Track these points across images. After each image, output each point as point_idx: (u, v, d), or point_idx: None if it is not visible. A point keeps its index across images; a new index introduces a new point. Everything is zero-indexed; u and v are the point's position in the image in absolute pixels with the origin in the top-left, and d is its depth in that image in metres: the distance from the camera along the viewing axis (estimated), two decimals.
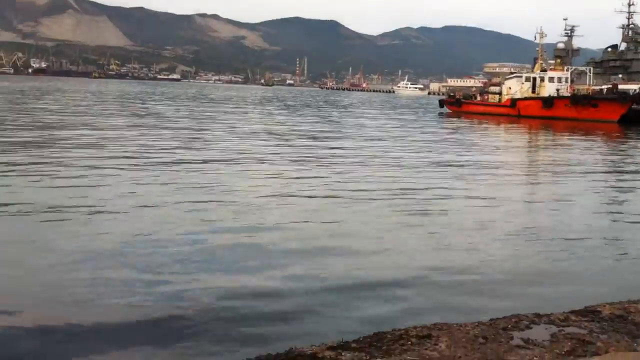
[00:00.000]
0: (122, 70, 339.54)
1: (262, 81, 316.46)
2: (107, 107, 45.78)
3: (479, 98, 62.38)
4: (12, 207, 10.01)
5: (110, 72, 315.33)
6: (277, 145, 22.24)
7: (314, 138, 26.55)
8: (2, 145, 17.84)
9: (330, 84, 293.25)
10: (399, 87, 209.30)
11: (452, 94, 69.78)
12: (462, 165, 18.87)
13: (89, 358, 5.01)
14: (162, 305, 6.08)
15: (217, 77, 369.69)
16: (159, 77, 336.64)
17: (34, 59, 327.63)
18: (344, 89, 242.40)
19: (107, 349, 5.15)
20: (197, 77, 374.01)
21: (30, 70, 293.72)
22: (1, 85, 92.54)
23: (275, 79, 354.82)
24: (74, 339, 5.35)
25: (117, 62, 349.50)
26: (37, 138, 21.03)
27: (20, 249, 7.83)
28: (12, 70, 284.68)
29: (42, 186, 12.03)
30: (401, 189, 13.58)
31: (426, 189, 13.78)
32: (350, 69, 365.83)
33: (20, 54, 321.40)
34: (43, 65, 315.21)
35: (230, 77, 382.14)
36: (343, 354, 4.59)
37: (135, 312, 5.91)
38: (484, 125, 44.04)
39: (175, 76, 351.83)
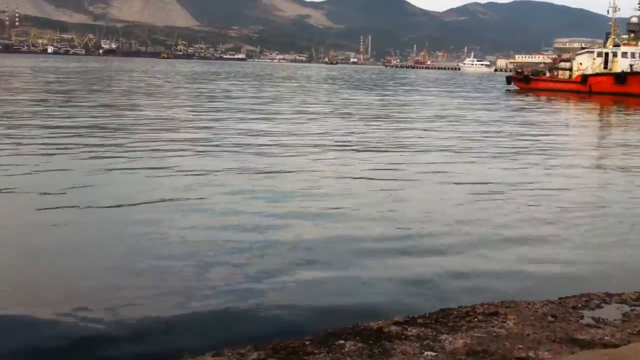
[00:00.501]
0: (189, 51, 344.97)
1: (326, 60, 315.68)
2: (178, 86, 46.60)
3: (548, 74, 60.80)
4: (89, 190, 10.30)
5: (177, 53, 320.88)
6: (351, 126, 22.14)
7: (378, 117, 26.39)
8: (79, 128, 18.36)
9: (394, 62, 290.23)
10: (465, 64, 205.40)
11: (519, 71, 68.15)
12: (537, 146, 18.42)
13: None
14: (238, 284, 6.18)
15: (281, 57, 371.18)
16: (224, 56, 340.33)
17: (105, 40, 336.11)
18: (408, 67, 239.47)
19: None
20: (261, 57, 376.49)
21: (101, 51, 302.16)
22: (73, 65, 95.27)
23: (339, 58, 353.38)
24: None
25: (184, 42, 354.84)
26: (109, 119, 21.60)
27: (111, 234, 7.97)
28: (83, 51, 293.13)
29: (120, 168, 12.29)
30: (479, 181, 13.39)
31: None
32: (415, 46, 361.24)
33: (91, 35, 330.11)
34: (113, 46, 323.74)
35: (294, 56, 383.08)
36: (409, 329, 4.61)
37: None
38: (553, 102, 42.87)
39: (240, 56, 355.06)
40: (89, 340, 4.91)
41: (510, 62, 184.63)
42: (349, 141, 17.29)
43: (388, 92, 48.86)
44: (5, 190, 9.75)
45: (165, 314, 5.37)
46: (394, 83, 70.96)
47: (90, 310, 5.44)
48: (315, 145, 16.17)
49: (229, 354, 4.19)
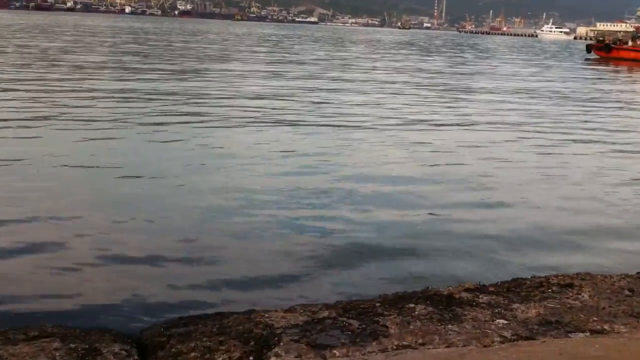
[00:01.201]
0: (262, 13, 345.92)
1: (399, 24, 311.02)
2: (255, 49, 46.91)
3: (630, 43, 58.27)
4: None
5: (251, 15, 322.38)
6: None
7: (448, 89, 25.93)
8: (156, 94, 18.70)
9: (469, 27, 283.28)
10: (543, 31, 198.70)
11: (600, 39, 65.52)
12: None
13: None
14: (313, 239, 6.29)
15: (353, 20, 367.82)
16: (297, 19, 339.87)
17: (180, 1, 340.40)
18: (483, 33, 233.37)
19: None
20: (333, 20, 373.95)
21: (176, 12, 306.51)
22: (149, 25, 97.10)
23: (412, 22, 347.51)
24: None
25: (257, 4, 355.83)
26: (185, 83, 21.94)
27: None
28: (159, 12, 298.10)
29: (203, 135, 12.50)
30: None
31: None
32: (491, 11, 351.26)
33: None
34: (188, 7, 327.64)
35: (366, 20, 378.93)
36: (480, 296, 4.57)
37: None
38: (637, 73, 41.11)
39: (312, 19, 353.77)
40: (167, 291, 5.08)
41: (591, 30, 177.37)
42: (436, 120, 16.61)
43: (464, 59, 47.83)
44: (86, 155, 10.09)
45: (240, 270, 5.51)
46: (469, 49, 69.34)
47: (172, 263, 5.63)
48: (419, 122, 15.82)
49: (301, 311, 4.26)
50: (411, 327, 4.03)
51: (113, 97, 16.25)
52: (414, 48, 67.02)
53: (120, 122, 12.72)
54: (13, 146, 10.00)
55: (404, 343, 3.82)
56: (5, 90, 16.17)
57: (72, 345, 3.63)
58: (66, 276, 5.17)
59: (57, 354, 3.50)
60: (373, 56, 45.41)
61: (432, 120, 15.44)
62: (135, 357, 3.65)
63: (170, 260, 5.66)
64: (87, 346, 3.64)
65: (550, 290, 4.74)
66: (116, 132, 11.63)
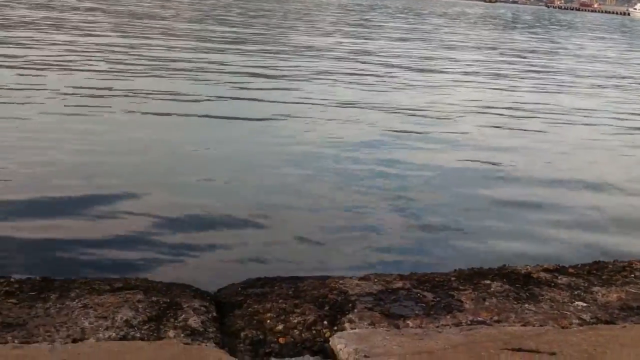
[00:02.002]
0: None
1: None
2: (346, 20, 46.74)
3: None
4: None
5: None
6: None
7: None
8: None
9: (558, 2, 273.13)
10: (636, 9, 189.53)
11: None
12: None
13: None
14: (389, 214, 6.31)
15: None
16: None
17: None
18: (572, 9, 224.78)
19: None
20: None
21: None
22: None
23: None
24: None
25: None
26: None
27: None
28: None
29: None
30: None
31: None
32: None
33: None
34: None
35: None
36: (559, 277, 4.47)
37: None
38: None
39: None
40: (244, 253, 5.20)
41: None
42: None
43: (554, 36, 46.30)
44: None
45: (315, 236, 5.58)
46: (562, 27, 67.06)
47: (249, 225, 5.76)
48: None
49: (375, 280, 4.28)
50: (486, 303, 3.99)
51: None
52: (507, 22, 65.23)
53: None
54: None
55: (479, 319, 3.79)
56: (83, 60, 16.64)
57: (154, 299, 3.77)
58: (147, 232, 5.36)
59: (140, 306, 3.65)
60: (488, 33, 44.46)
61: None
62: (214, 313, 3.76)
63: (247, 222, 5.78)
64: (169, 300, 3.78)
65: (633, 275, 4.60)
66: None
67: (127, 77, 13.21)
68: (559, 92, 16.30)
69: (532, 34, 47.31)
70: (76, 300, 3.65)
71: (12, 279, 3.90)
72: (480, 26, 53.85)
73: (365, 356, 3.19)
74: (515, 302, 4.02)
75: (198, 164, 7.47)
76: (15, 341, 3.16)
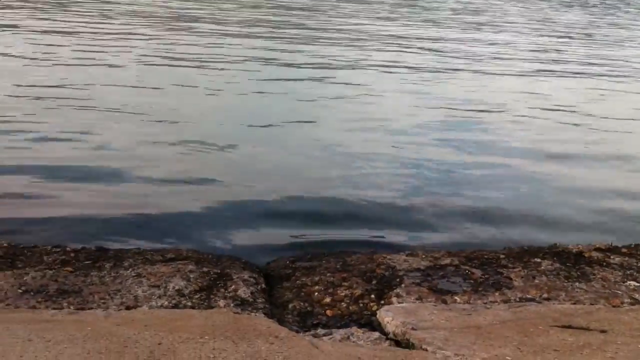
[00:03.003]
0: None
1: None
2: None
3: None
4: None
5: None
6: None
7: None
8: None
9: None
10: None
11: None
12: None
13: None
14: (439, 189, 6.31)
15: None
16: None
17: None
18: None
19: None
20: None
21: None
22: None
23: None
24: None
25: None
26: None
27: None
28: None
29: None
30: None
31: None
32: None
33: None
34: None
35: None
36: (611, 257, 4.39)
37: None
38: None
39: None
40: (292, 227, 5.25)
41: None
42: None
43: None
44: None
45: (363, 211, 5.61)
46: None
47: (296, 199, 5.84)
48: None
49: (423, 256, 4.28)
50: (536, 281, 3.95)
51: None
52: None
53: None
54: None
55: (528, 296, 3.76)
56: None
57: (205, 269, 3.84)
58: (199, 205, 5.44)
59: (192, 276, 3.73)
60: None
61: None
62: (263, 285, 3.82)
63: (297, 197, 5.83)
64: (219, 271, 3.85)
65: None
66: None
67: None
68: None
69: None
70: (130, 270, 3.75)
71: (67, 249, 4.03)
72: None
73: (412, 329, 3.20)
74: (565, 281, 3.97)
75: (257, 139, 7.59)
76: (71, 307, 3.27)
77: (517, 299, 3.72)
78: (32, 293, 3.38)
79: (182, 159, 6.64)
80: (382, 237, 5.10)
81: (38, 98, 8.70)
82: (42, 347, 2.72)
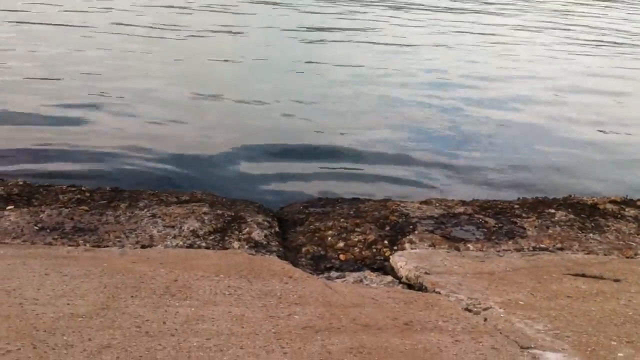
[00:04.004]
0: None
1: None
2: None
3: None
4: None
5: None
6: None
7: None
8: None
9: None
10: None
11: None
12: None
13: None
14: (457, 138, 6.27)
15: None
16: None
17: None
18: None
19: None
20: None
21: None
22: None
23: None
24: None
25: None
26: None
27: None
28: None
29: None
30: None
31: None
32: None
33: None
34: None
35: None
36: (626, 209, 4.37)
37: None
38: None
39: None
40: (305, 173, 5.25)
41: None
42: None
43: None
44: None
45: (377, 160, 5.59)
46: None
47: (313, 146, 5.85)
48: None
49: (437, 204, 4.27)
50: (550, 231, 3.95)
51: None
52: None
53: None
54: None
55: (541, 246, 3.76)
56: None
57: (219, 212, 3.85)
58: (213, 149, 5.44)
59: (206, 218, 3.74)
60: None
61: None
62: (276, 229, 3.83)
63: (310, 144, 5.81)
64: (233, 214, 3.86)
65: None
66: None
67: None
68: None
69: None
70: (145, 210, 3.77)
71: (83, 188, 4.04)
72: None
73: (425, 273, 3.21)
74: (579, 232, 3.96)
75: (273, 86, 7.58)
76: (87, 245, 3.30)
77: (531, 248, 3.72)
78: (48, 230, 3.40)
79: (198, 105, 6.62)
80: (396, 184, 5.09)
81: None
82: (59, 280, 2.75)
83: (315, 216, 4.06)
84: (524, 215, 4.15)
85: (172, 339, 2.28)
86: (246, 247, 3.47)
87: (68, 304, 2.52)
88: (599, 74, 10.12)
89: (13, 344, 2.17)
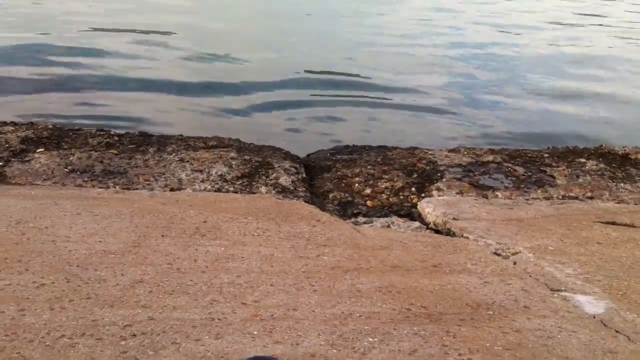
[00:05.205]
0: None
1: None
2: None
3: None
4: None
5: None
6: None
7: None
8: None
9: None
10: None
11: None
12: None
13: None
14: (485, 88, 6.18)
15: None
16: None
17: None
18: None
19: None
20: None
21: None
22: None
23: None
24: None
25: None
26: None
27: None
28: None
29: None
30: None
31: None
32: None
33: None
34: None
35: None
36: None
37: None
38: None
39: None
40: (331, 122, 5.21)
41: None
42: None
43: None
44: None
45: (406, 107, 5.54)
46: None
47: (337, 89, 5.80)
48: None
49: (465, 152, 4.23)
50: (580, 180, 3.90)
51: None
52: None
53: None
54: None
55: (571, 194, 3.72)
56: None
57: (247, 157, 3.86)
58: (240, 95, 5.42)
59: (233, 163, 3.74)
60: None
61: None
62: (303, 175, 3.83)
63: (337, 86, 5.76)
64: (260, 159, 3.86)
65: None
66: None
67: None
68: None
69: None
70: (173, 154, 3.78)
71: (112, 132, 4.06)
72: None
73: (453, 219, 3.20)
74: (610, 181, 3.91)
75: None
76: (117, 187, 3.32)
77: (560, 197, 3.68)
78: (78, 172, 3.43)
79: (230, 40, 6.57)
80: (424, 133, 5.05)
81: None
82: (90, 220, 2.78)
83: (342, 163, 4.05)
84: (553, 164, 4.10)
85: (204, 276, 2.31)
86: (273, 192, 3.48)
87: (100, 242, 2.55)
88: None
89: (47, 278, 2.20)
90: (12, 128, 3.96)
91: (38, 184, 3.26)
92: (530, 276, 2.55)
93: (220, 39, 7.18)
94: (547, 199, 3.66)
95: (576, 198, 3.69)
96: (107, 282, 2.20)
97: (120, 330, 1.90)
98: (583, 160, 4.18)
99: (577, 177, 3.94)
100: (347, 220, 3.27)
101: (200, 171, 3.60)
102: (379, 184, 3.77)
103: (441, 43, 7.78)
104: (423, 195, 3.65)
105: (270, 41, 7.21)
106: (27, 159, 3.53)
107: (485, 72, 6.68)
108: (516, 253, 2.80)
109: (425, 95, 5.85)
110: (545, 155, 4.26)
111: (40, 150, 3.67)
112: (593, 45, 8.51)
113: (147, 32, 7.02)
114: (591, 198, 3.70)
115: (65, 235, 2.59)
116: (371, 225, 3.24)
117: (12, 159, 3.51)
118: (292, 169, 3.83)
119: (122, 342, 1.83)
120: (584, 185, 3.83)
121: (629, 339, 2.10)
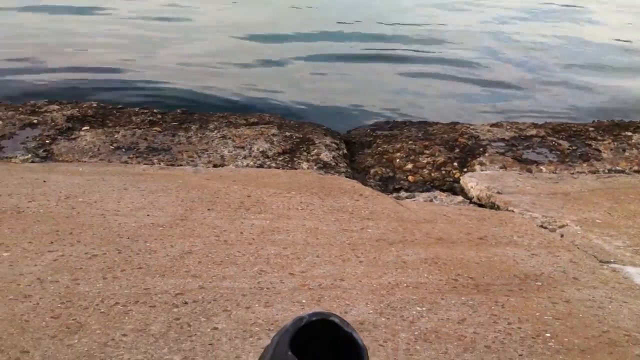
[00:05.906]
0: None
1: None
2: None
3: None
4: None
5: None
6: None
7: None
8: None
9: None
10: None
11: None
12: None
13: None
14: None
15: None
16: None
17: None
18: None
19: None
20: None
21: None
22: None
23: None
24: None
25: None
26: None
27: None
28: None
29: None
30: None
31: None
32: None
33: None
34: None
35: None
36: None
37: None
38: None
39: None
40: (373, 98, 5.18)
41: None
42: None
43: None
44: None
45: (447, 84, 5.50)
46: None
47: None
48: None
49: (507, 127, 4.18)
50: (626, 154, 3.83)
51: None
52: None
53: None
54: None
55: (617, 168, 3.66)
56: None
57: (288, 134, 3.87)
58: (280, 73, 5.43)
59: (275, 139, 3.76)
60: None
61: None
62: (344, 150, 3.83)
63: (383, 59, 5.75)
64: (301, 136, 3.87)
65: None
66: None
67: None
68: None
69: None
70: (215, 132, 3.81)
71: (155, 110, 4.11)
72: None
73: (498, 192, 3.17)
74: None
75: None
76: (161, 163, 3.37)
77: (606, 170, 3.62)
78: (123, 149, 3.48)
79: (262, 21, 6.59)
80: (465, 109, 5.00)
81: None
82: (137, 194, 2.83)
83: (383, 139, 4.04)
84: (599, 137, 4.03)
85: (250, 247, 2.33)
86: (315, 167, 3.49)
87: (148, 215, 2.59)
88: None
89: (99, 249, 2.25)
90: (57, 107, 4.03)
91: (85, 161, 3.32)
92: (578, 248, 2.52)
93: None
94: (592, 172, 3.60)
95: (623, 172, 3.63)
96: (157, 253, 2.24)
97: (172, 298, 1.93)
98: (629, 133, 4.10)
99: (624, 150, 3.87)
100: (389, 195, 3.26)
101: (242, 147, 3.62)
102: (420, 159, 3.75)
103: (493, 16, 7.68)
104: (465, 170, 3.62)
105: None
106: (73, 136, 3.59)
107: (531, 50, 6.60)
108: (563, 226, 2.77)
109: (465, 68, 5.79)
110: (590, 128, 4.19)
111: (85, 128, 3.73)
112: None
113: None
114: (638, 172, 3.64)
115: (114, 209, 2.63)
116: (414, 200, 3.23)
117: (59, 137, 3.57)
118: (333, 145, 3.83)
119: (175, 309, 1.87)
120: (630, 159, 3.76)
121: None
